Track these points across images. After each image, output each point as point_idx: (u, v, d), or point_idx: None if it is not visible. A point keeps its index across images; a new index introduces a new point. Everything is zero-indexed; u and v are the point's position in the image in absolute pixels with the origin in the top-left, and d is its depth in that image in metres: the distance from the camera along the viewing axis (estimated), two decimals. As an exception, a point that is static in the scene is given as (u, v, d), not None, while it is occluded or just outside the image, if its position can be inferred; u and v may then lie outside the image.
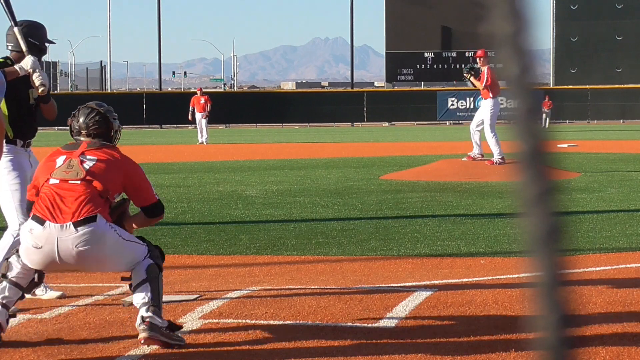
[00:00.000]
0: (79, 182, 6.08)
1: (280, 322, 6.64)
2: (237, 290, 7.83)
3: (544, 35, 68.23)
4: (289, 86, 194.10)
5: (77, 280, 8.30)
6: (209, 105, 40.27)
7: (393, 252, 10.03)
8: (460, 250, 10.17)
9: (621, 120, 65.68)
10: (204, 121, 39.96)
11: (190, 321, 6.68)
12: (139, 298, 5.99)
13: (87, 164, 6.17)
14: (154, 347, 5.98)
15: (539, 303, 1.40)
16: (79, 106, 6.56)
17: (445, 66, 69.06)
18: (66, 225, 5.92)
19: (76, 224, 5.92)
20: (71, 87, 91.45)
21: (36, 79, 7.48)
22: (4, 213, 7.58)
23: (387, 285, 7.98)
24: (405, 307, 7.02)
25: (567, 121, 64.50)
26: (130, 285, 6.08)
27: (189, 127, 59.47)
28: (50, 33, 8.19)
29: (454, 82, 68.87)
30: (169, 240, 11.08)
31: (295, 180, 19.65)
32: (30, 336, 6.32)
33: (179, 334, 6.10)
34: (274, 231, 11.76)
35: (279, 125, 65.46)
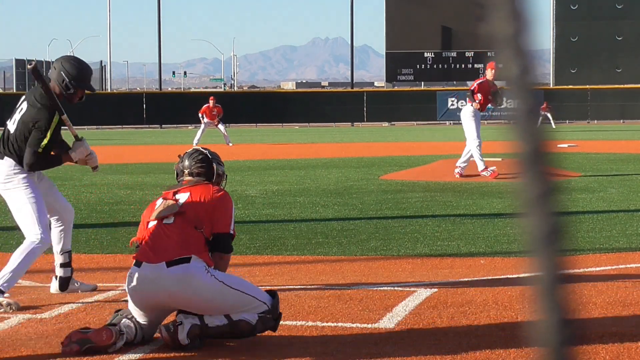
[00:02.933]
0: (172, 219, 6.12)
1: (280, 322, 6.64)
2: (237, 290, 7.82)
3: (544, 35, 68.26)
4: (289, 86, 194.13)
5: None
6: (220, 115, 39.76)
7: (393, 252, 10.03)
8: (460, 250, 10.17)
9: (621, 120, 65.70)
10: (222, 126, 39.43)
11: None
12: (208, 318, 5.94)
13: (180, 200, 6.21)
14: (154, 347, 5.98)
15: (539, 303, 1.40)
16: (186, 151, 6.62)
17: (445, 66, 69.06)
18: (159, 266, 5.96)
19: (169, 264, 5.94)
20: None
21: (91, 162, 7.91)
22: (23, 227, 7.61)
23: (387, 285, 7.98)
24: (405, 307, 7.02)
25: (567, 121, 64.49)
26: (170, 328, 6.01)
27: (189, 127, 59.46)
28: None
29: (454, 82, 68.90)
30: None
31: (295, 180, 19.65)
32: (30, 336, 6.31)
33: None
34: (274, 231, 11.76)
35: (279, 125, 65.46)
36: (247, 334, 5.95)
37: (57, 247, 7.98)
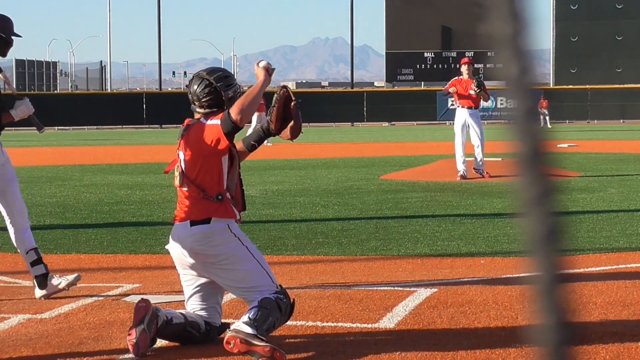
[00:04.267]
0: (184, 188, 6.20)
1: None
2: (237, 290, 7.82)
3: (544, 35, 68.28)
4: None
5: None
6: None
7: (393, 252, 10.03)
8: (460, 250, 10.17)
9: (621, 120, 65.69)
10: None
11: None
12: (244, 317, 5.86)
13: (182, 163, 6.24)
14: (154, 347, 5.97)
15: (539, 303, 1.40)
16: (193, 74, 6.45)
17: (445, 66, 69.05)
18: (185, 224, 6.08)
19: (192, 223, 6.05)
20: (71, 87, 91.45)
21: (37, 125, 7.85)
22: (11, 204, 7.57)
23: (387, 285, 7.98)
24: (405, 307, 7.02)
25: (567, 121, 64.49)
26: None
27: (189, 127, 59.37)
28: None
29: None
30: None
31: (295, 180, 19.65)
32: (30, 336, 6.31)
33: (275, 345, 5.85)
34: (274, 231, 11.76)
35: (279, 125, 65.41)
36: (282, 311, 5.89)
37: (21, 249, 7.78)
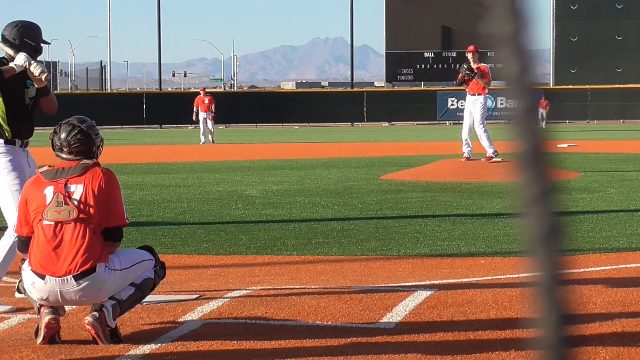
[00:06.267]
0: (72, 222, 6.07)
1: (280, 322, 6.64)
2: (237, 290, 7.83)
3: (544, 35, 68.22)
4: (289, 86, 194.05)
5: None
6: (213, 105, 40.22)
7: (393, 252, 10.02)
8: (460, 250, 10.16)
9: (621, 120, 65.69)
10: (210, 122, 40.01)
11: (190, 321, 6.68)
12: (119, 294, 6.13)
13: (75, 197, 6.12)
14: (154, 347, 5.98)
15: (539, 303, 1.40)
16: (61, 122, 6.44)
17: (445, 66, 69.06)
18: (66, 279, 6.01)
19: (76, 277, 6.00)
20: (71, 87, 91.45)
21: (35, 69, 7.47)
22: (4, 213, 7.56)
23: (387, 285, 7.97)
24: (405, 307, 7.02)
25: (567, 121, 64.49)
26: None
27: (189, 127, 59.45)
28: (50, 33, 8.24)
29: (454, 82, 68.85)
30: (169, 240, 11.08)
31: (295, 180, 19.64)
32: (30, 336, 6.31)
33: (116, 339, 6.10)
34: (274, 231, 11.76)
35: (279, 125, 65.46)
36: (152, 289, 6.33)
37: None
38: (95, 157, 6.38)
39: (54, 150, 6.41)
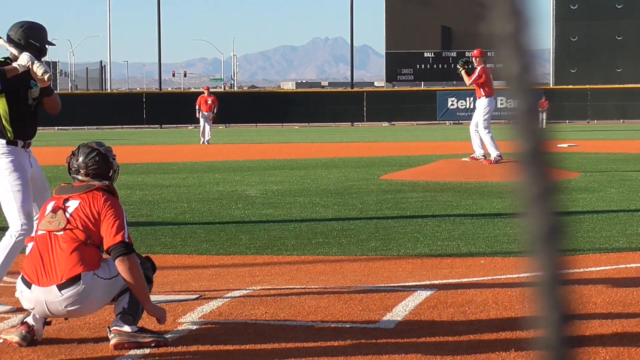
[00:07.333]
0: (61, 232, 6.09)
1: (280, 322, 6.64)
2: (237, 290, 7.83)
3: (544, 35, 68.20)
4: (289, 86, 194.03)
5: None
6: (215, 107, 40.11)
7: (393, 252, 10.02)
8: (460, 250, 10.16)
9: (621, 120, 65.69)
10: (208, 122, 39.96)
11: (190, 321, 6.68)
12: (118, 308, 6.10)
13: (69, 210, 6.16)
14: (154, 347, 5.98)
15: (539, 303, 1.40)
16: (80, 144, 6.51)
17: (445, 66, 69.04)
18: (51, 289, 5.99)
19: (60, 287, 5.98)
20: (71, 87, 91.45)
21: (38, 69, 7.46)
22: (6, 214, 7.56)
23: (387, 285, 7.97)
24: (405, 307, 7.02)
25: (567, 121, 64.48)
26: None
27: (189, 127, 59.46)
28: (50, 33, 8.19)
29: (454, 82, 68.87)
30: (169, 240, 11.08)
31: (295, 180, 19.64)
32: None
33: (157, 333, 6.11)
34: (274, 231, 11.76)
35: (279, 125, 65.45)
36: (148, 283, 6.27)
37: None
38: (111, 181, 6.40)
39: (69, 173, 6.44)
